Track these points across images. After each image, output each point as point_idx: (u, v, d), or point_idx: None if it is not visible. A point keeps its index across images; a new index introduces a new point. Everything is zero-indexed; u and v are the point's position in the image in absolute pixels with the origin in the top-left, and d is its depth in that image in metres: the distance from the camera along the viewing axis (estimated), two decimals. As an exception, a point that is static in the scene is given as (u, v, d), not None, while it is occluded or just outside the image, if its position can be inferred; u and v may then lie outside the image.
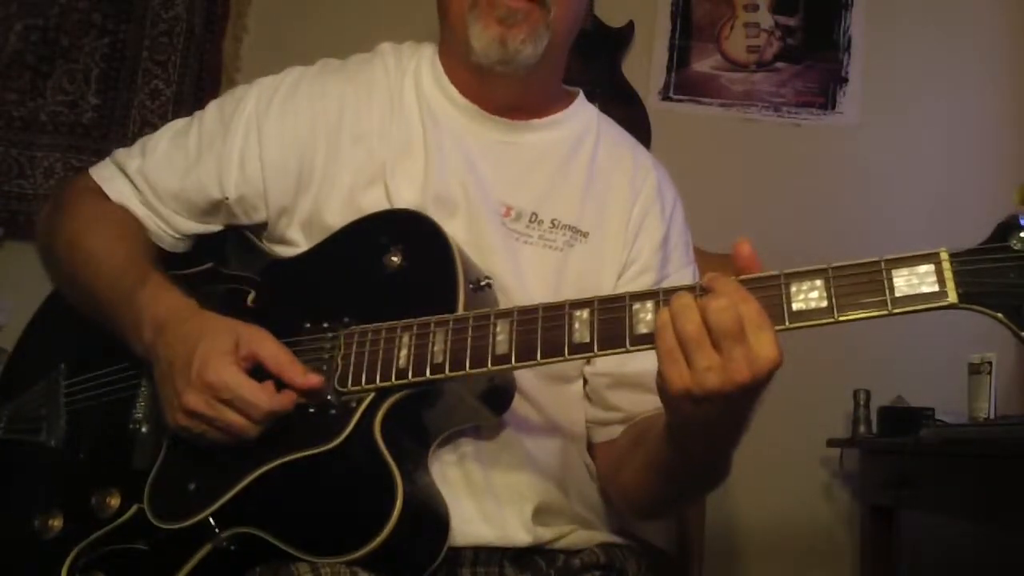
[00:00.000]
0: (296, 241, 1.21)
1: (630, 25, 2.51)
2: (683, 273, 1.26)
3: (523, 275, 1.17)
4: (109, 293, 1.13)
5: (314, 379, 1.02)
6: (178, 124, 1.29)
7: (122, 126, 2.47)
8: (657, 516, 1.29)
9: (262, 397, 1.00)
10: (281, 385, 1.02)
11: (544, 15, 1.17)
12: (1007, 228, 0.81)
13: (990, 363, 1.93)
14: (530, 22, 1.17)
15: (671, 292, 0.89)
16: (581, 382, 1.22)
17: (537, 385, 1.17)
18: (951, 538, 2.21)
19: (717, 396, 0.85)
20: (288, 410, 1.02)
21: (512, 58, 1.17)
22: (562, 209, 1.22)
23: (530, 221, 1.21)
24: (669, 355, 0.85)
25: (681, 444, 1.01)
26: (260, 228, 1.25)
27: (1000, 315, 0.80)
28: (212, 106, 1.28)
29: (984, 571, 2.19)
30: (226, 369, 1.00)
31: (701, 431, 0.94)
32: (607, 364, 1.17)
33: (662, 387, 0.88)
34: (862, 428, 2.14)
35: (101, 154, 2.36)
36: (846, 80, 2.48)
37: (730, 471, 1.14)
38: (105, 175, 1.26)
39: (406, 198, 1.18)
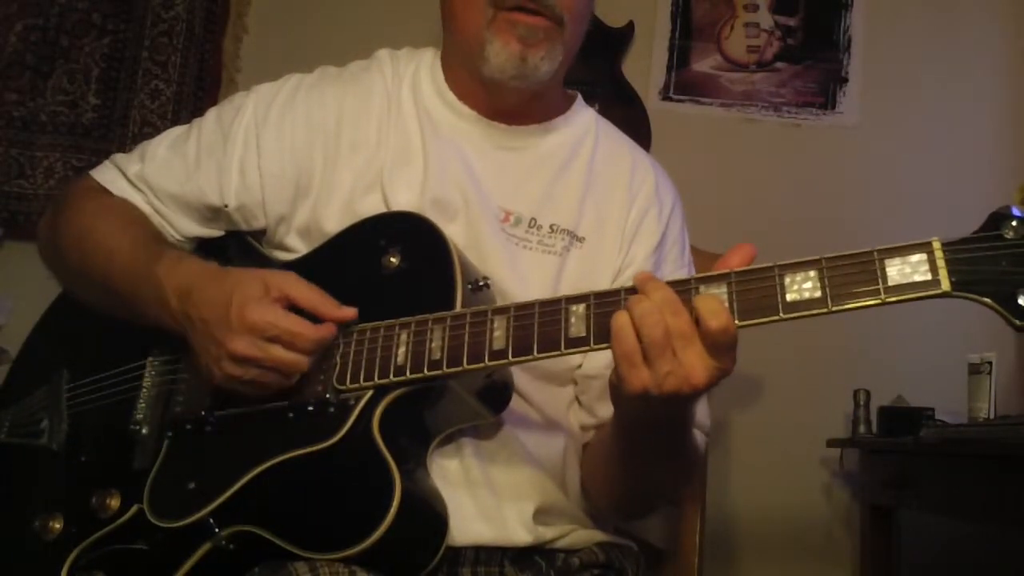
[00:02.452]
0: (295, 248, 1.22)
1: (630, 25, 2.51)
2: (677, 276, 1.26)
3: (522, 280, 1.17)
4: (125, 276, 1.13)
5: (349, 311, 1.04)
6: (177, 131, 1.29)
7: (122, 126, 2.47)
8: (631, 515, 1.29)
9: (307, 326, 1.02)
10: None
11: (561, 32, 1.18)
12: (999, 218, 0.82)
13: (990, 363, 1.93)
14: (549, 40, 1.18)
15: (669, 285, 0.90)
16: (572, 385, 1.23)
17: (534, 386, 1.17)
18: (951, 538, 2.21)
19: (674, 398, 0.88)
20: (332, 338, 1.03)
21: (530, 75, 1.18)
22: (560, 214, 1.23)
23: (529, 226, 1.21)
24: (628, 358, 0.87)
25: (631, 438, 1.06)
26: (260, 233, 1.25)
27: (988, 300, 0.81)
28: (211, 114, 1.28)
29: (984, 571, 2.19)
30: (265, 309, 1.01)
31: (650, 426, 0.99)
32: (596, 366, 1.18)
33: (618, 386, 0.91)
34: (862, 428, 2.14)
35: (101, 154, 2.41)
36: (846, 80, 2.48)
37: (695, 459, 1.17)
38: (107, 177, 1.26)
39: (404, 204, 1.18)
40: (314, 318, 1.03)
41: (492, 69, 1.18)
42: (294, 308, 1.04)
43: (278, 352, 1.01)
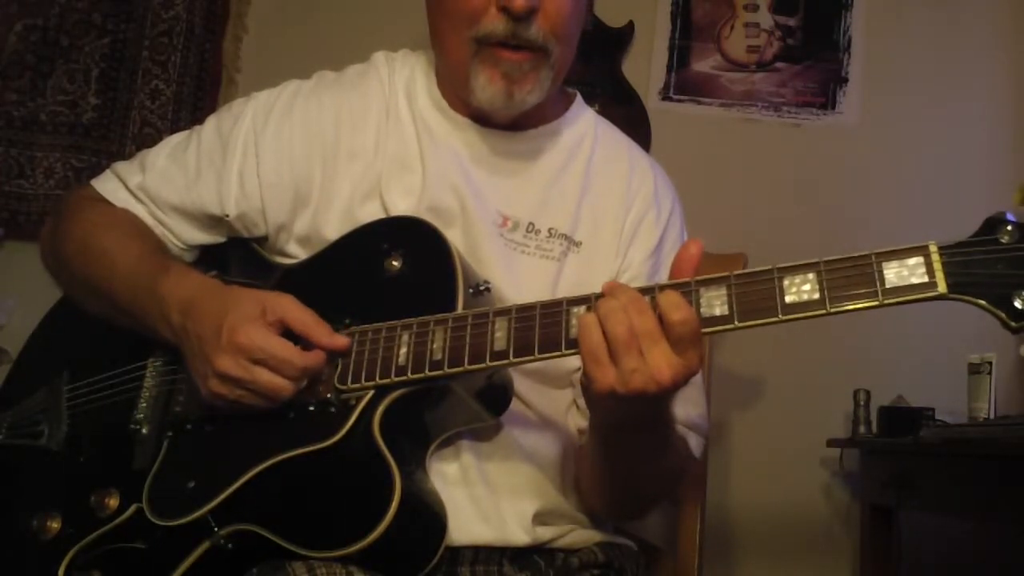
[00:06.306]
0: (295, 255, 1.22)
1: (630, 25, 2.51)
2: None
3: (520, 285, 1.17)
4: (128, 287, 1.14)
5: (340, 340, 1.04)
6: (176, 139, 1.29)
7: (122, 126, 2.47)
8: (623, 516, 1.28)
9: (295, 353, 1.01)
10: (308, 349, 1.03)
11: (548, 58, 1.17)
12: (995, 222, 0.84)
13: (990, 363, 1.93)
14: (535, 72, 1.16)
15: (665, 287, 0.91)
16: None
17: (533, 389, 1.17)
18: (951, 538, 2.21)
19: (642, 396, 0.89)
20: (320, 368, 1.03)
21: (518, 107, 1.18)
22: (558, 218, 1.23)
23: (527, 231, 1.21)
24: (593, 355, 0.89)
25: (607, 440, 1.06)
26: (262, 239, 1.25)
27: (983, 302, 0.82)
28: (210, 122, 1.28)
29: (984, 571, 2.19)
30: (256, 331, 1.01)
31: (623, 426, 1.00)
32: None
33: (587, 385, 0.92)
34: (862, 428, 2.13)
35: (101, 154, 2.42)
36: (846, 80, 2.48)
37: (681, 461, 1.17)
38: (109, 188, 1.27)
39: (402, 211, 1.18)
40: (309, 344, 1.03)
41: (480, 101, 1.18)
42: (290, 332, 1.03)
43: (263, 375, 1.01)
